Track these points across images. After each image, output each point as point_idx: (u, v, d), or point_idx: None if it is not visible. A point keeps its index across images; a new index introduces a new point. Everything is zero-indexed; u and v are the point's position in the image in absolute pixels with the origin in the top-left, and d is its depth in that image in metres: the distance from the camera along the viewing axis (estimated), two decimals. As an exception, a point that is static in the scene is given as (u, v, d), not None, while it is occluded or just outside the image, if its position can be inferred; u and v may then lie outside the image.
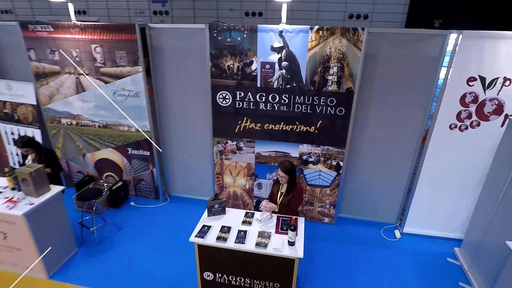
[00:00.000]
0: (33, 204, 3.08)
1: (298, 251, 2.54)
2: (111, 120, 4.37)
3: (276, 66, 3.62)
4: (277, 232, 2.77)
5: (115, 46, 3.91)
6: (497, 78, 3.20)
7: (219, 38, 3.61)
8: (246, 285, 2.79)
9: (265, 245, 2.58)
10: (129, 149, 4.52)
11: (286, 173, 2.89)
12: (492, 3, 10.47)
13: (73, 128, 4.56)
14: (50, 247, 3.27)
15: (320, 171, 4.06)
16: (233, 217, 2.97)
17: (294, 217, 2.73)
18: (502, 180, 3.10)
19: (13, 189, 3.30)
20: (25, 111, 4.59)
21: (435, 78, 3.48)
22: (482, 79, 3.23)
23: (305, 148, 3.97)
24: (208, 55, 3.70)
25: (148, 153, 4.48)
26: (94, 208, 3.88)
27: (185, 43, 3.88)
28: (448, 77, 3.29)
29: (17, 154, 4.93)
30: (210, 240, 2.64)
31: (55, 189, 3.34)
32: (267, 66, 3.64)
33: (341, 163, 3.94)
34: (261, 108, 3.85)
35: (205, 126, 4.17)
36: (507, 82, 3.20)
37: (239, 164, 4.26)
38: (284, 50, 3.52)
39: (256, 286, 2.78)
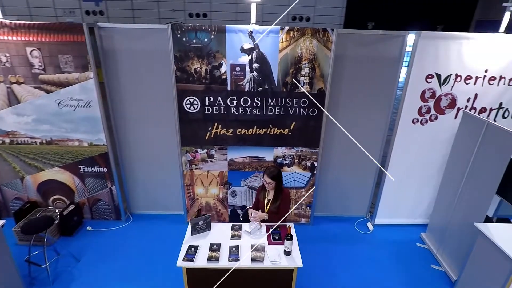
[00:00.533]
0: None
1: (296, 260, 2.44)
2: (57, 135, 3.76)
3: (247, 68, 3.47)
4: (270, 243, 2.63)
5: (58, 50, 3.37)
6: (450, 75, 3.51)
7: (184, 39, 3.34)
8: (241, 304, 2.59)
9: (262, 259, 2.42)
10: (82, 166, 3.95)
11: (273, 179, 2.77)
12: (413, 7, 11.84)
13: (6, 147, 3.83)
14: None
15: (295, 172, 4.02)
16: (220, 232, 2.75)
17: (289, 225, 2.62)
18: (460, 167, 3.41)
19: None
20: None
21: (396, 77, 3.69)
22: (438, 76, 3.51)
23: (279, 151, 3.90)
24: (172, 57, 3.39)
25: (105, 170, 3.97)
26: (45, 240, 3.28)
27: (143, 45, 3.51)
28: (410, 75, 3.51)
29: None
30: (201, 262, 2.40)
31: (-7, 223, 2.74)
32: (237, 69, 3.47)
33: (316, 163, 3.96)
34: (232, 112, 3.67)
35: (171, 135, 3.83)
36: (458, 78, 3.53)
37: (211, 173, 4.01)
38: (254, 52, 3.39)
39: (252, 304, 2.60)
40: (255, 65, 3.45)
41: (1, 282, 2.81)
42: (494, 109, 3.68)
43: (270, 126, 3.75)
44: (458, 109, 3.68)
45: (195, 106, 3.63)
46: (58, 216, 3.88)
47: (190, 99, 3.60)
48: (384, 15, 11.80)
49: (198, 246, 2.56)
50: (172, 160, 4.01)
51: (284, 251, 2.49)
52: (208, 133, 3.77)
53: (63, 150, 3.85)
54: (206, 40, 3.35)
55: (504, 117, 3.73)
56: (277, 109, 3.66)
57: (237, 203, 4.20)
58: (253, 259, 2.42)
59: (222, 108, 3.64)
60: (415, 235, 4.17)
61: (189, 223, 2.69)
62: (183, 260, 2.40)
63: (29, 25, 3.27)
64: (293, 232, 2.65)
